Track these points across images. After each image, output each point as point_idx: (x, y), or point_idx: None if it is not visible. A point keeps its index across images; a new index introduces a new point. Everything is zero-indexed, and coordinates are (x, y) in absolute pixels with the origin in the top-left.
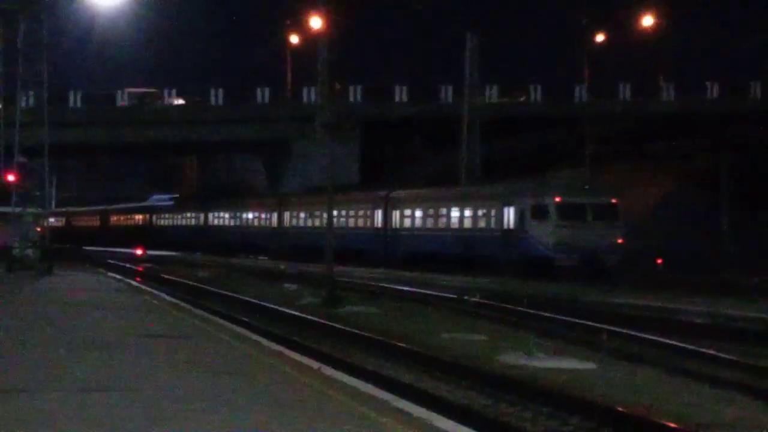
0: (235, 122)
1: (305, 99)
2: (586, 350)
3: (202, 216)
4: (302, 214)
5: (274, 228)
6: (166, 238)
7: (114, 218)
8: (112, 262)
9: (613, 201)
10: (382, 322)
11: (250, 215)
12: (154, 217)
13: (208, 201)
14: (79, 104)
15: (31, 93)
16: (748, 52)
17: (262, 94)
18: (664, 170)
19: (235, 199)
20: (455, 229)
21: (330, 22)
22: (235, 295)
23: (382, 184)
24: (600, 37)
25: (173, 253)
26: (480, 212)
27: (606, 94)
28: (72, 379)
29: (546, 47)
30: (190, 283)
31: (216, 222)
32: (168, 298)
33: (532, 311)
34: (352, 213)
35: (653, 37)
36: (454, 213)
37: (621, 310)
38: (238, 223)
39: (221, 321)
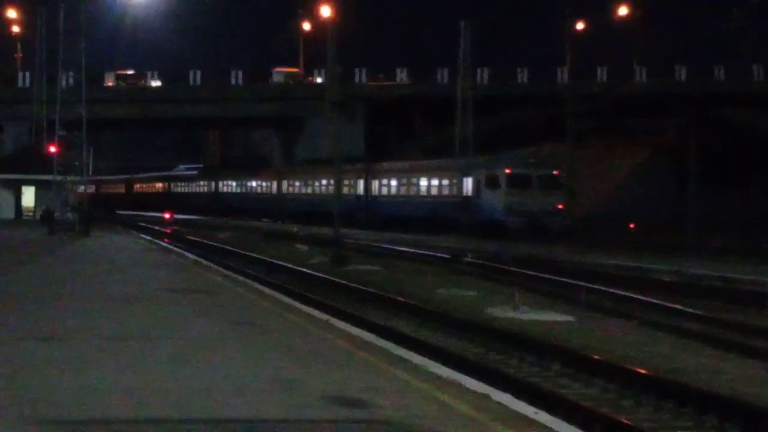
0: (253, 101)
1: (317, 80)
2: (565, 305)
3: (213, 184)
4: (297, 183)
5: (273, 194)
6: (183, 203)
7: (137, 186)
8: (142, 224)
9: (555, 172)
10: (383, 279)
11: (254, 183)
12: (171, 185)
13: (219, 171)
14: (113, 83)
15: (71, 74)
16: (713, 38)
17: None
18: (637, 145)
19: (241, 170)
20: (424, 196)
21: (338, 10)
22: (252, 254)
23: (370, 156)
24: (580, 25)
25: (198, 217)
26: (444, 182)
27: (585, 76)
28: (105, 328)
29: (532, 34)
30: (212, 243)
31: (225, 189)
32: (192, 257)
33: (517, 270)
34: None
35: (628, 24)
36: (423, 182)
37: (597, 269)
38: (243, 190)
39: (240, 277)
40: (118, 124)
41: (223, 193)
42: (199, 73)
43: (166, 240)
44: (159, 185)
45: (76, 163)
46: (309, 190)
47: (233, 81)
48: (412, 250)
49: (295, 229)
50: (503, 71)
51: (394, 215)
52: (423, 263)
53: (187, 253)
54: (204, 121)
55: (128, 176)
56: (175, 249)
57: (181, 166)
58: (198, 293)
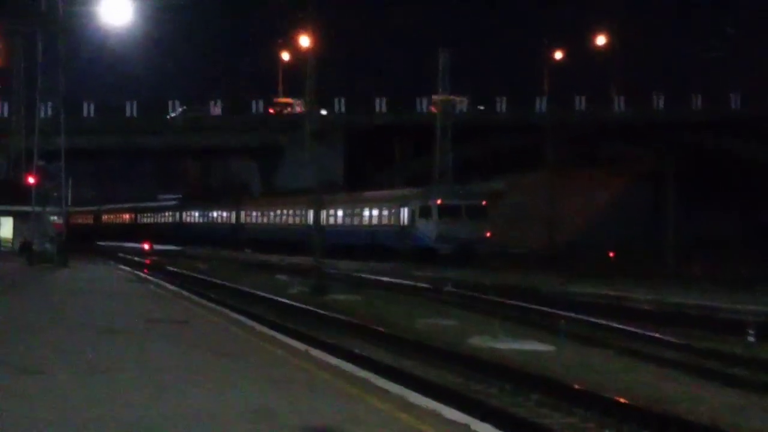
0: (233, 130)
1: (296, 110)
2: (546, 334)
3: (177, 214)
4: (255, 213)
5: (233, 224)
6: (158, 232)
7: (112, 217)
8: (121, 255)
9: (483, 203)
10: (364, 308)
11: (215, 214)
12: (138, 216)
13: (182, 203)
14: (92, 114)
15: (49, 103)
16: (690, 65)
17: (257, 105)
18: (616, 173)
19: (203, 201)
20: (366, 225)
21: (317, 40)
22: (231, 285)
23: (321, 187)
24: (558, 54)
25: (178, 248)
26: (384, 212)
27: (564, 104)
28: (82, 360)
29: (510, 62)
30: (192, 274)
31: (188, 219)
32: (171, 287)
33: (497, 299)
34: (291, 212)
35: (606, 53)
36: (365, 213)
37: (577, 298)
38: (204, 220)
39: (219, 308)
40: (98, 154)
41: (186, 223)
42: (177, 102)
43: (145, 270)
44: (128, 216)
45: (55, 194)
46: (265, 220)
47: (212, 110)
48: (392, 279)
49: (274, 259)
50: (482, 100)
51: (339, 243)
52: (403, 293)
53: (166, 284)
54: (183, 150)
55: (103, 207)
56: (154, 279)
57: (168, 196)
58: (176, 324)
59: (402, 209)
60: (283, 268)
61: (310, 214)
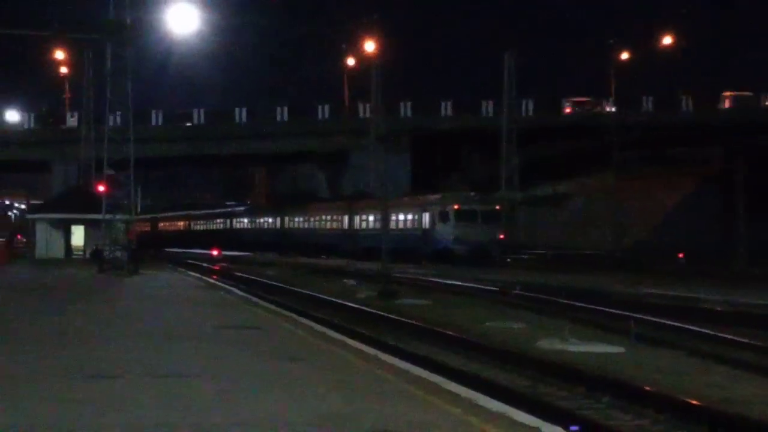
0: (298, 136)
1: (361, 114)
2: (615, 336)
3: (228, 222)
4: (298, 219)
5: (278, 229)
6: (218, 239)
7: (182, 224)
8: (191, 261)
9: (497, 208)
10: (432, 312)
11: (261, 220)
12: (191, 223)
13: (251, 209)
14: (160, 122)
15: (118, 113)
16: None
17: (323, 111)
18: (683, 174)
19: (256, 209)
20: (393, 229)
21: (381, 45)
22: (300, 290)
23: (349, 195)
24: (625, 55)
25: (246, 253)
26: (409, 217)
27: (630, 105)
28: (152, 366)
29: (576, 64)
30: (260, 280)
31: (238, 225)
32: (240, 293)
33: (565, 301)
34: (328, 217)
35: (673, 54)
36: (393, 217)
37: (646, 300)
38: (251, 226)
39: (288, 313)
40: (166, 162)
41: (254, 230)
42: (244, 110)
43: (214, 277)
44: (181, 223)
45: (125, 202)
46: (309, 226)
47: (278, 117)
48: (460, 283)
49: (344, 263)
50: (548, 102)
51: (371, 246)
52: (471, 296)
53: (235, 290)
54: (249, 157)
55: (173, 213)
56: (223, 285)
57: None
58: (246, 329)
59: (424, 214)
60: (350, 273)
61: (345, 219)
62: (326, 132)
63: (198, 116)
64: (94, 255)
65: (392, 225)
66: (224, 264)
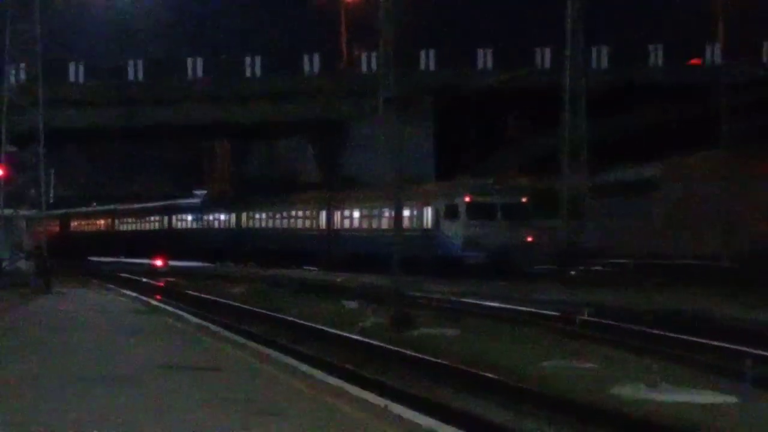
0: (277, 99)
1: (365, 68)
2: (723, 379)
3: (173, 219)
4: (258, 216)
5: (232, 229)
6: (160, 243)
7: (101, 222)
8: (124, 275)
9: (523, 200)
10: (464, 347)
11: (213, 217)
12: (122, 222)
13: (205, 202)
14: (81, 79)
15: (21, 65)
16: None
17: (311, 63)
18: None
19: (207, 201)
20: (386, 230)
21: None
22: (280, 315)
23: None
24: None
25: (202, 264)
26: (407, 213)
27: (745, 55)
28: (78, 420)
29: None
30: (222, 300)
31: (186, 225)
32: (195, 320)
33: (655, 331)
34: (299, 213)
35: None
36: (386, 214)
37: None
38: (202, 226)
39: (262, 348)
40: (90, 136)
41: (187, 231)
42: (200, 62)
43: (157, 297)
44: (137, 221)
45: (32, 191)
46: (274, 225)
47: (249, 72)
48: (499, 305)
49: (338, 279)
50: (628, 52)
51: (357, 252)
52: (518, 324)
53: (187, 315)
54: (208, 128)
55: (99, 208)
56: (170, 309)
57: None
58: (203, 371)
59: (425, 209)
60: (349, 291)
61: (323, 215)
62: (315, 93)
63: (135, 70)
64: None
65: (384, 224)
66: (171, 279)
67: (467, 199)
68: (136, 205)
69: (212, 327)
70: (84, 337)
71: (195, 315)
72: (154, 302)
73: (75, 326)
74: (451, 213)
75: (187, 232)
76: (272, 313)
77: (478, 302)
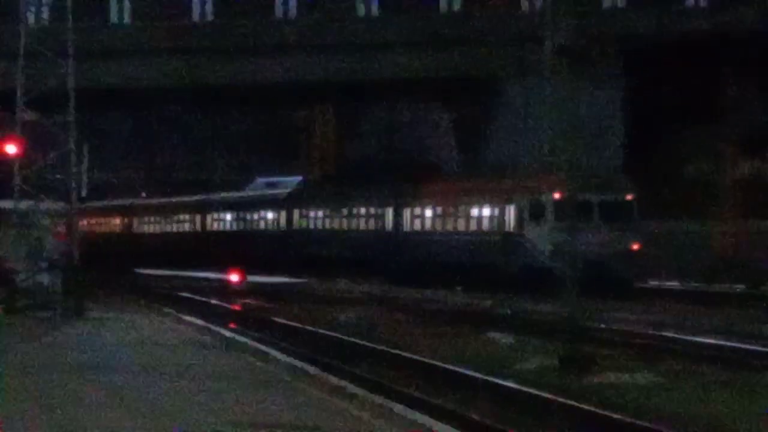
0: (402, 48)
1: (525, 6)
2: None
3: (257, 217)
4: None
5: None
6: (238, 252)
7: (153, 220)
8: (185, 295)
9: (628, 197)
10: (673, 402)
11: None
12: (187, 220)
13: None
14: (126, 18)
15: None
16: None
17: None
18: None
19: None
20: (462, 232)
21: None
22: (401, 353)
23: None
24: None
25: (289, 280)
26: (485, 211)
27: None
28: None
29: None
30: (323, 332)
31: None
32: (285, 359)
33: None
34: (362, 211)
35: None
36: (461, 211)
37: None
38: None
39: (381, 400)
40: (139, 99)
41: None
42: None
43: (232, 326)
44: (194, 219)
45: (57, 176)
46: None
47: (360, 10)
48: (714, 341)
49: (489, 303)
50: None
51: (427, 259)
52: (745, 368)
53: (274, 352)
54: (305, 89)
55: (151, 202)
56: (251, 344)
57: (260, 180)
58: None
59: (507, 207)
60: (499, 321)
61: (389, 213)
62: (455, 40)
63: (201, 9)
64: (1, 279)
65: (459, 225)
66: (251, 300)
67: (557, 195)
68: (199, 198)
69: (311, 370)
70: (127, 384)
71: (286, 352)
72: (227, 333)
73: (114, 367)
74: (537, 212)
75: (272, 236)
76: (394, 351)
77: (673, 336)
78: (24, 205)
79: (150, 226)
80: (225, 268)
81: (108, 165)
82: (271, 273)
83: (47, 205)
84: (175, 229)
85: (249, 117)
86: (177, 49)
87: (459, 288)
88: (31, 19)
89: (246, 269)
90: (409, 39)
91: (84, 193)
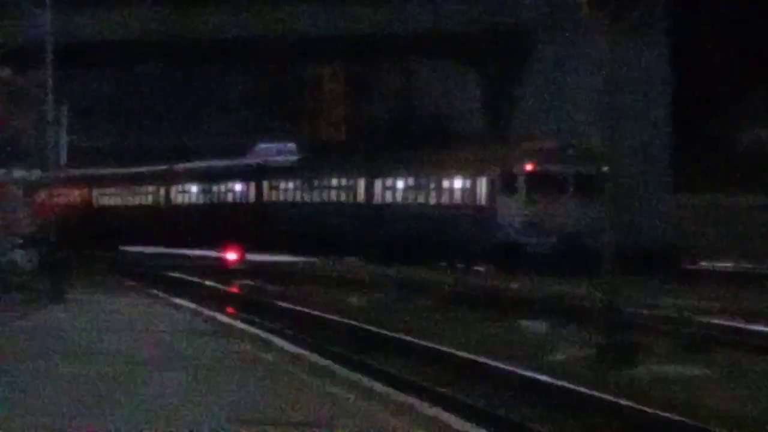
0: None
1: None
2: None
3: (254, 187)
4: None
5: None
6: (232, 225)
7: (141, 190)
8: (176, 275)
9: (605, 170)
10: (726, 399)
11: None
12: (176, 190)
13: (261, 165)
14: None
15: None
16: None
17: None
18: None
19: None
20: (433, 206)
21: None
22: (422, 342)
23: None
24: None
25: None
26: (456, 184)
27: None
28: None
29: None
30: (330, 317)
31: (274, 196)
32: (289, 346)
33: None
34: (334, 182)
35: None
36: (433, 184)
37: None
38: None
39: (397, 394)
40: (125, 54)
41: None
42: None
43: (229, 310)
44: (191, 190)
45: (32, 141)
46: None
47: None
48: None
49: (514, 285)
50: None
51: (398, 235)
52: None
53: (277, 340)
54: (310, 43)
55: (133, 171)
56: (250, 330)
57: (262, 145)
58: (310, 427)
59: (478, 180)
60: (529, 303)
61: (361, 184)
62: None
63: None
64: None
65: (431, 197)
66: (250, 281)
67: (529, 167)
68: (192, 165)
69: (318, 360)
70: (110, 374)
71: (290, 340)
72: (224, 318)
73: (96, 355)
74: (508, 185)
75: (276, 208)
76: (412, 339)
77: (725, 323)
78: None
79: (137, 197)
80: (222, 245)
81: (90, 130)
82: (275, 250)
83: (21, 173)
84: (161, 202)
85: (248, 76)
86: None
87: (460, 266)
88: None
89: (245, 246)
90: None
91: (63, 161)
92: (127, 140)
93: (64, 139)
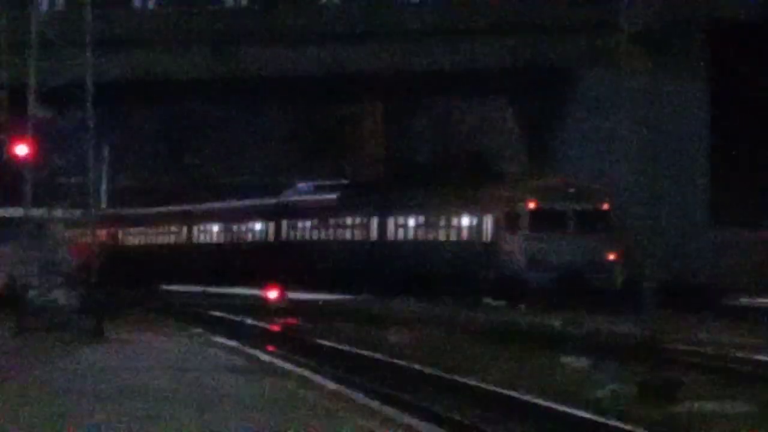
0: (459, 35)
1: None
2: None
3: (290, 226)
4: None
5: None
6: (262, 263)
7: (157, 230)
8: (217, 314)
9: (604, 207)
10: None
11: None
12: (216, 230)
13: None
14: (151, 5)
15: None
16: None
17: None
18: None
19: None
20: (443, 242)
21: None
22: (465, 380)
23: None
24: None
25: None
26: (462, 221)
27: None
28: None
29: None
30: (371, 355)
31: (314, 234)
32: (331, 384)
33: None
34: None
35: None
36: (442, 221)
37: None
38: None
39: None
40: (167, 93)
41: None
42: None
43: (270, 348)
44: (229, 229)
45: (72, 180)
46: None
47: None
48: None
49: (557, 323)
50: None
51: (411, 270)
52: None
53: (318, 378)
54: (349, 81)
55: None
56: (291, 369)
57: (300, 185)
58: None
59: (485, 217)
60: (570, 340)
61: (374, 222)
62: (521, 24)
63: None
64: (8, 296)
65: (439, 234)
66: (291, 320)
67: (531, 205)
68: (231, 204)
69: (359, 398)
70: (152, 414)
71: (331, 378)
72: (265, 357)
73: (135, 395)
74: (512, 222)
75: (313, 246)
76: (454, 378)
77: (761, 358)
78: (36, 212)
79: (174, 236)
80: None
81: (131, 169)
82: (315, 288)
83: (62, 213)
84: (198, 240)
85: (288, 114)
86: (208, 39)
87: (490, 301)
88: (44, 5)
89: (285, 284)
90: (465, 27)
91: (104, 200)
92: (167, 178)
93: (104, 179)
